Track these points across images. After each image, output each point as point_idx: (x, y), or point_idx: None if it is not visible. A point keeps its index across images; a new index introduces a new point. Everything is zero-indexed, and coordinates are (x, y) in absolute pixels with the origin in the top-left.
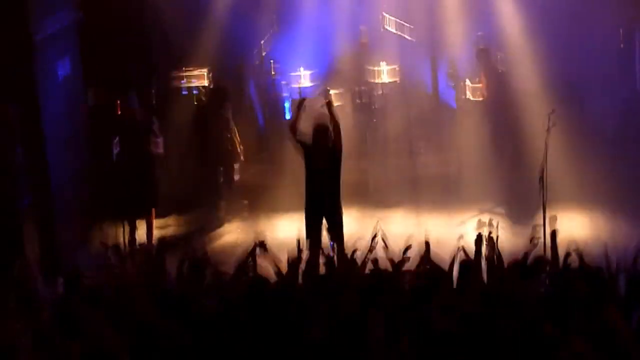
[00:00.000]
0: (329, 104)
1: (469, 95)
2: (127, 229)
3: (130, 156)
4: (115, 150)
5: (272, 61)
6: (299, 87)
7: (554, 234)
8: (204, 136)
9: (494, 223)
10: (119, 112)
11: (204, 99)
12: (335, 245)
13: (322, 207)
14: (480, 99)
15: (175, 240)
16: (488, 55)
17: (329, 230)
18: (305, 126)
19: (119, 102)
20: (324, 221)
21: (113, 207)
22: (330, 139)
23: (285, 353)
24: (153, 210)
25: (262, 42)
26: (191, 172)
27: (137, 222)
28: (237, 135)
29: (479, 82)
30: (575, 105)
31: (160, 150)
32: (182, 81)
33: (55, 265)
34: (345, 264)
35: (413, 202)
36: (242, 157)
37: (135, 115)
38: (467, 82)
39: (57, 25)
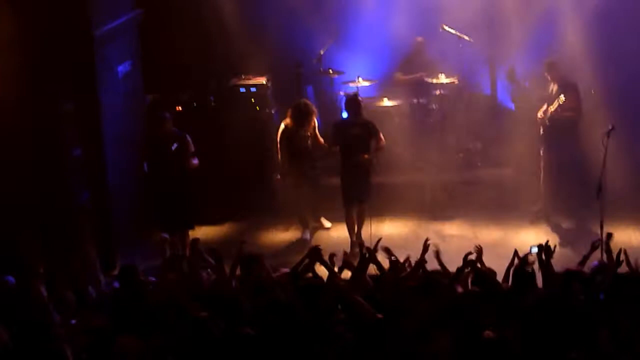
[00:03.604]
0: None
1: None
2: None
3: (162, 174)
4: (145, 167)
5: (330, 69)
6: (357, 87)
7: (608, 240)
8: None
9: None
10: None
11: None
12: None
13: (357, 184)
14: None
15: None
16: (558, 67)
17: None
18: None
19: (153, 119)
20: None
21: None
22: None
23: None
24: (187, 231)
25: (321, 52)
26: (253, 176)
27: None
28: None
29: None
30: (634, 110)
31: (195, 165)
32: (242, 88)
33: (112, 262)
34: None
35: (469, 210)
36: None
37: (168, 133)
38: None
39: (117, 21)
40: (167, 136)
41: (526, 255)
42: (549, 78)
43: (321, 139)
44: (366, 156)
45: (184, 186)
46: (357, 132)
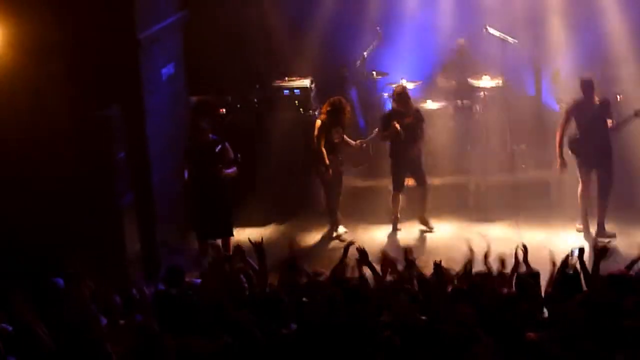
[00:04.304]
0: None
1: None
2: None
3: (201, 182)
4: (185, 175)
5: (373, 72)
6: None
7: None
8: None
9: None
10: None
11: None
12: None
13: (409, 170)
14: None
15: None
16: (593, 85)
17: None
18: None
19: (192, 128)
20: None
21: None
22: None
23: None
24: (229, 238)
25: (364, 53)
26: (296, 178)
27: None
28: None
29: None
30: None
31: (232, 173)
32: (285, 91)
33: (155, 264)
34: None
35: (513, 212)
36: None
37: (207, 141)
38: None
39: (161, 24)
40: (206, 145)
41: (567, 257)
42: (583, 95)
43: (348, 138)
44: (397, 124)
45: (222, 194)
46: (408, 122)
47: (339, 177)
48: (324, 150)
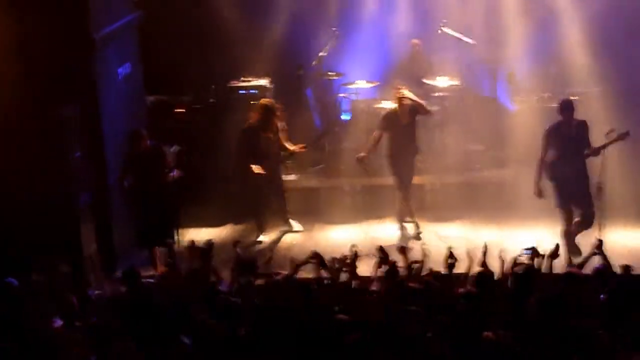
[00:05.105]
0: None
1: None
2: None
3: (142, 188)
4: (126, 184)
5: (330, 72)
6: (356, 88)
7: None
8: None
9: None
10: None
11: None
12: None
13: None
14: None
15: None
16: (571, 108)
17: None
18: None
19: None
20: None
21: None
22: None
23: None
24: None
25: (321, 54)
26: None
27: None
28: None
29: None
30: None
31: (176, 176)
32: (242, 91)
33: (112, 264)
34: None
35: (469, 211)
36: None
37: (145, 148)
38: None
39: (116, 24)
40: (145, 152)
41: (517, 257)
42: (562, 116)
43: (286, 141)
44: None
45: (165, 199)
46: (407, 122)
47: (272, 185)
48: (246, 156)
